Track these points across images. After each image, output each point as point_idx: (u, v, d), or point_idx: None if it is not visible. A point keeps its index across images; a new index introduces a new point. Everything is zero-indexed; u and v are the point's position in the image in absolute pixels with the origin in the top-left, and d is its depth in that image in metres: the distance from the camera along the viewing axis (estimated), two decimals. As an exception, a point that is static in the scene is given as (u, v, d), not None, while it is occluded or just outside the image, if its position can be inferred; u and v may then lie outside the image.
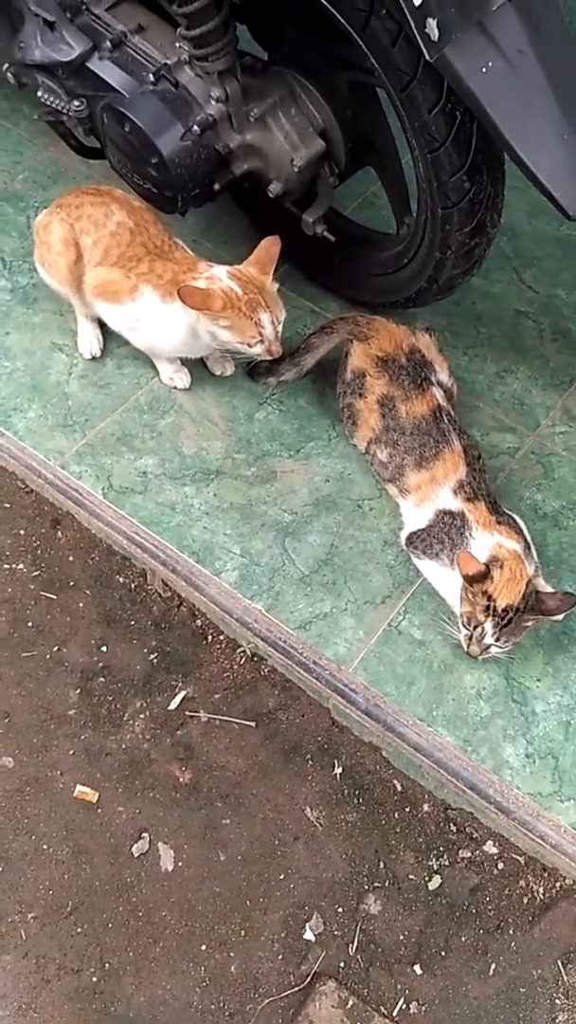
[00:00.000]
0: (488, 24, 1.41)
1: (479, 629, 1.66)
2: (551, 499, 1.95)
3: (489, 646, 1.67)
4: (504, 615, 1.63)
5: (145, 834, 1.68)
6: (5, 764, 1.73)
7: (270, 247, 1.79)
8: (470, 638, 1.68)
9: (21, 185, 2.36)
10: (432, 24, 1.36)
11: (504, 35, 1.43)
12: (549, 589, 1.74)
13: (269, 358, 1.85)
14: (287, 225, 2.00)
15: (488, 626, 1.64)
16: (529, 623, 1.66)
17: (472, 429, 2.00)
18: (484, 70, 1.43)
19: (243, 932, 1.62)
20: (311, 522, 1.90)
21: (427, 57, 1.39)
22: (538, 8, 1.44)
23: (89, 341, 2.07)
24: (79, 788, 1.72)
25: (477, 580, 1.63)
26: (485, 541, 1.71)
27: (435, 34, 1.36)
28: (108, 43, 1.83)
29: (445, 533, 1.75)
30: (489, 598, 1.63)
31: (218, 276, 1.79)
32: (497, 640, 1.65)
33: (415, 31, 1.37)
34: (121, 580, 1.92)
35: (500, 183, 1.72)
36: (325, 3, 1.59)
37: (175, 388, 2.05)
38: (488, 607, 1.63)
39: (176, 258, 1.87)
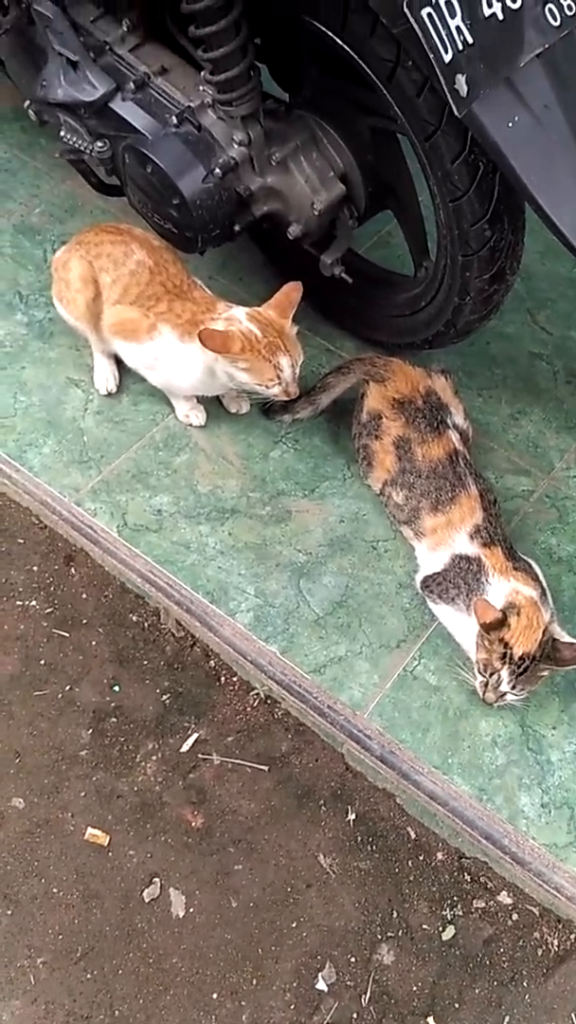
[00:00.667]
0: (515, 79, 1.42)
1: (495, 676, 1.65)
2: (566, 543, 1.95)
3: (505, 693, 1.66)
4: (521, 663, 1.62)
5: (156, 879, 1.67)
6: (16, 805, 1.72)
7: (291, 292, 1.80)
8: (486, 685, 1.68)
9: (38, 218, 2.37)
10: (461, 80, 1.37)
11: (531, 90, 1.44)
12: (565, 635, 1.74)
13: (286, 399, 1.85)
14: (304, 264, 2.01)
15: (504, 673, 1.63)
16: (545, 673, 1.65)
17: (486, 471, 2.00)
18: (510, 125, 1.44)
19: (255, 981, 1.60)
20: (326, 563, 1.90)
21: (455, 112, 1.40)
22: (565, 64, 1.45)
23: (105, 377, 2.07)
24: (90, 831, 1.70)
25: (494, 627, 1.62)
26: (502, 587, 1.70)
27: (464, 90, 1.37)
28: (131, 84, 1.84)
29: (461, 578, 1.75)
30: (506, 645, 1.62)
31: (237, 318, 1.80)
32: (513, 688, 1.65)
33: (444, 86, 1.38)
34: (134, 619, 1.91)
35: (520, 231, 1.72)
36: (350, 51, 1.60)
37: (191, 425, 2.05)
38: (505, 654, 1.63)
39: (195, 298, 1.88)
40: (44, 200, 2.41)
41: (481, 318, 1.87)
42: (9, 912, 1.64)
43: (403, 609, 1.85)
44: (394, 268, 2.16)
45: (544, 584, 1.76)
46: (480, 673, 1.68)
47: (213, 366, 1.83)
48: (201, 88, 1.80)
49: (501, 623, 1.62)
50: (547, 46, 1.43)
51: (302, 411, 2.04)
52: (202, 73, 1.75)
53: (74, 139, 1.93)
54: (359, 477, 1.99)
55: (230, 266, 2.30)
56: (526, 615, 1.64)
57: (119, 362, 2.06)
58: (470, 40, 1.37)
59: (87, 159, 1.98)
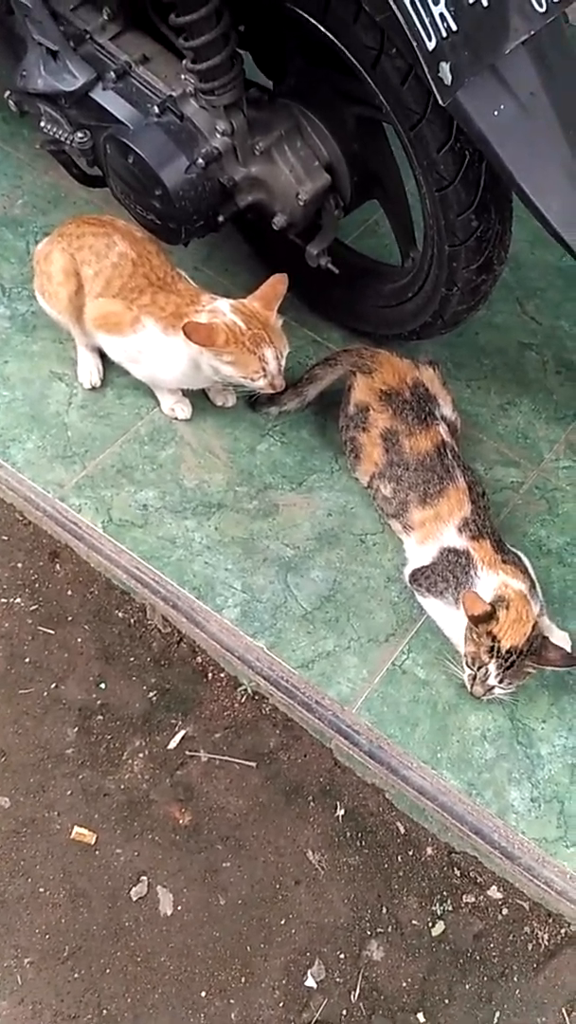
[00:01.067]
0: (501, 67, 1.40)
1: (483, 670, 1.64)
2: (555, 535, 1.94)
3: (492, 687, 1.65)
4: (508, 656, 1.61)
5: (144, 877, 1.66)
6: (1, 804, 1.70)
7: (277, 284, 1.78)
8: (474, 678, 1.67)
9: (20, 210, 2.34)
10: (445, 68, 1.34)
11: (516, 78, 1.42)
12: (555, 628, 1.73)
13: (272, 392, 1.83)
14: (290, 255, 1.99)
15: (492, 667, 1.62)
16: (531, 670, 1.64)
17: (475, 463, 1.99)
18: (496, 113, 1.42)
19: (243, 979, 1.59)
20: (313, 557, 1.88)
21: (440, 101, 1.38)
22: (551, 51, 1.43)
23: (89, 371, 2.05)
24: (77, 829, 1.69)
25: (483, 620, 1.61)
26: (490, 580, 1.69)
27: (448, 78, 1.35)
28: (112, 73, 1.81)
29: (450, 571, 1.74)
30: (494, 639, 1.61)
31: (221, 310, 1.78)
32: (500, 682, 1.64)
33: (428, 75, 1.35)
34: (120, 615, 1.90)
35: (508, 221, 1.70)
36: (333, 39, 1.58)
37: (176, 419, 2.03)
38: (492, 648, 1.61)
39: (179, 290, 1.86)
40: (27, 191, 2.38)
41: (469, 309, 1.85)
42: (-4, 912, 1.63)
43: (391, 603, 1.83)
44: (381, 258, 2.14)
45: (533, 577, 1.74)
46: (468, 666, 1.67)
47: (198, 359, 1.80)
48: (183, 77, 1.77)
49: (490, 616, 1.61)
50: (532, 33, 1.41)
51: (289, 403, 2.03)
52: (184, 62, 1.73)
53: (55, 130, 1.91)
54: (347, 470, 1.98)
55: (215, 256, 2.28)
56: (515, 608, 1.63)
57: (103, 355, 2.04)
58: (454, 27, 1.35)
59: (68, 150, 1.95)
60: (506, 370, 2.17)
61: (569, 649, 1.68)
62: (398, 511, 1.84)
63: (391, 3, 1.33)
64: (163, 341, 1.83)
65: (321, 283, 2.05)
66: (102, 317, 1.88)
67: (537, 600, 1.70)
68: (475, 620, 1.61)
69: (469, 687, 1.68)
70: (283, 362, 1.80)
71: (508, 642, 1.61)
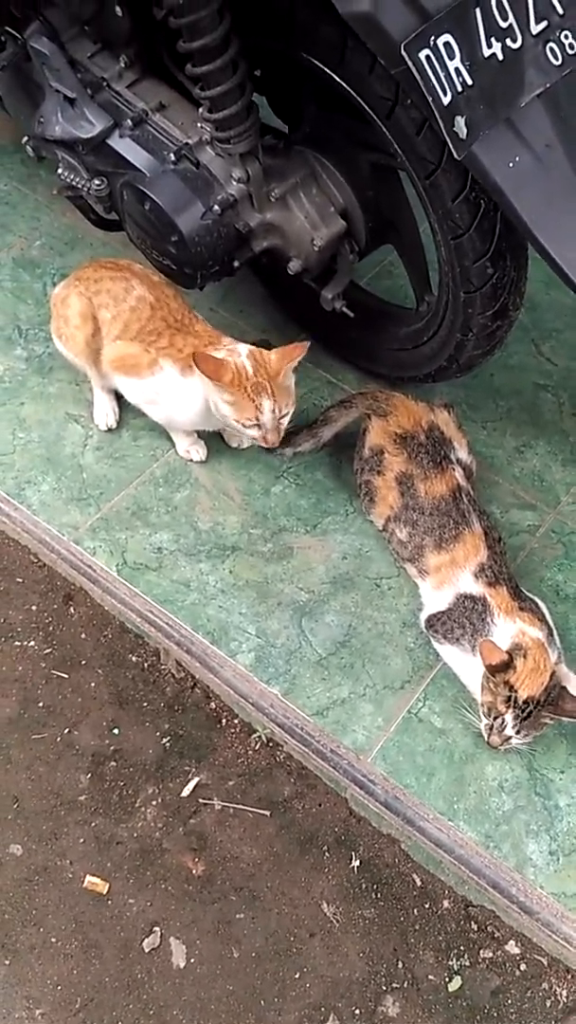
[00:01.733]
0: (516, 120, 1.41)
1: (500, 720, 1.62)
2: (572, 580, 1.92)
3: (510, 737, 1.63)
4: (525, 707, 1.59)
5: (156, 928, 1.64)
6: (13, 852, 1.69)
7: (295, 348, 1.76)
8: (491, 728, 1.65)
9: (38, 251, 2.36)
10: (460, 122, 1.35)
11: (532, 130, 1.42)
12: (573, 676, 1.71)
13: (264, 445, 1.82)
14: (305, 297, 1.99)
15: (509, 717, 1.60)
16: (548, 720, 1.62)
17: (491, 506, 1.98)
18: (511, 165, 1.42)
19: (257, 1034, 1.57)
20: (328, 601, 1.87)
21: (455, 155, 1.38)
22: (566, 103, 1.43)
23: (105, 412, 2.06)
24: (89, 878, 1.67)
25: (500, 670, 1.59)
26: (507, 628, 1.68)
27: (463, 132, 1.36)
28: (129, 121, 1.82)
29: (466, 618, 1.72)
30: (511, 688, 1.59)
31: (238, 351, 1.78)
32: (518, 732, 1.62)
33: (443, 129, 1.36)
34: (134, 659, 1.89)
35: (524, 268, 1.70)
36: (349, 89, 1.59)
37: (191, 461, 2.03)
38: (509, 698, 1.60)
39: (197, 332, 1.86)
40: (44, 233, 2.39)
41: (484, 354, 1.85)
42: (7, 962, 1.61)
43: (407, 649, 1.82)
44: (397, 300, 2.15)
45: (551, 623, 1.73)
46: (485, 716, 1.65)
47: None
48: (199, 125, 1.78)
49: (507, 665, 1.59)
50: (548, 85, 1.42)
51: (303, 443, 2.02)
52: (200, 110, 1.74)
53: (72, 176, 1.92)
54: (362, 513, 1.97)
55: (230, 298, 2.29)
56: (532, 657, 1.61)
57: (119, 397, 2.04)
58: (469, 81, 1.35)
59: (86, 196, 1.96)
60: (522, 412, 2.16)
61: (587, 698, 1.66)
62: (413, 555, 1.83)
63: (406, 58, 1.33)
64: (181, 383, 1.84)
65: (336, 325, 2.05)
66: (120, 359, 1.89)
67: (555, 648, 1.69)
68: (492, 669, 1.60)
69: (486, 737, 1.66)
70: (283, 420, 1.78)
71: (525, 692, 1.59)
